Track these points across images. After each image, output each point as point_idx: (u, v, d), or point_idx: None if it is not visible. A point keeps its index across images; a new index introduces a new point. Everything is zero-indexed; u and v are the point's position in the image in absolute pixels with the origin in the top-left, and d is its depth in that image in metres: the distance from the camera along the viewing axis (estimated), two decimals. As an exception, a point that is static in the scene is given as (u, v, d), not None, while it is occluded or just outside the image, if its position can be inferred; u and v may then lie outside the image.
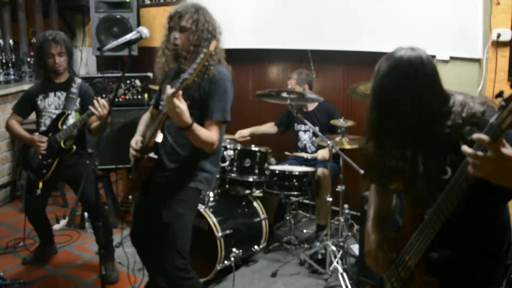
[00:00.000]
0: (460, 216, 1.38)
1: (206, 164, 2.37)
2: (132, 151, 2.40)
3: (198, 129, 2.15)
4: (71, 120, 3.17)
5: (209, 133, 2.21)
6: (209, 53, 2.02)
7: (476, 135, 1.18)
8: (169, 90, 2.02)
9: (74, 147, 3.19)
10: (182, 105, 2.03)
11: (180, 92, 2.03)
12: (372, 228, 1.73)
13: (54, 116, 3.18)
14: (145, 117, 2.59)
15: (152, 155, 2.28)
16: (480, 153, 1.19)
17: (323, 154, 3.70)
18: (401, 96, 1.40)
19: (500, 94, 1.17)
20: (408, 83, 1.40)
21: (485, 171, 1.19)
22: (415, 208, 1.53)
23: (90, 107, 2.88)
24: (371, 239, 1.71)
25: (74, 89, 3.20)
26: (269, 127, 4.23)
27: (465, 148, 1.22)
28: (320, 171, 3.66)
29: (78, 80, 3.26)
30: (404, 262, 1.56)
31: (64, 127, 3.14)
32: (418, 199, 1.51)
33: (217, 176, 3.40)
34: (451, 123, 1.40)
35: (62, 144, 3.14)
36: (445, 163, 1.42)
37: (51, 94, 3.21)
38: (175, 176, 2.34)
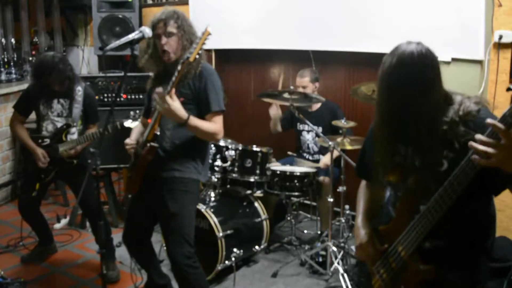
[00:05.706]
0: (454, 208, 1.41)
1: (201, 156, 2.53)
2: (129, 147, 2.50)
3: (196, 121, 2.30)
4: (73, 129, 3.18)
5: (210, 124, 2.38)
6: (206, 33, 2.12)
7: (490, 120, 1.24)
8: (158, 89, 2.17)
9: (75, 161, 3.20)
10: (174, 102, 2.19)
11: (173, 90, 2.18)
12: (363, 223, 1.78)
13: (56, 123, 3.18)
14: (137, 127, 2.70)
15: (153, 143, 2.38)
16: (493, 140, 1.23)
17: (325, 162, 3.69)
18: (404, 89, 1.43)
19: (510, 88, 1.26)
20: (411, 75, 1.43)
21: (498, 158, 1.23)
22: (411, 200, 1.57)
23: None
24: (361, 233, 1.75)
25: (78, 97, 3.17)
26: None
27: (478, 135, 1.27)
28: (322, 179, 3.66)
29: (81, 86, 3.19)
30: (397, 253, 1.59)
31: (68, 138, 3.14)
32: (414, 190, 1.55)
33: (219, 176, 3.40)
34: (448, 120, 1.45)
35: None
36: (441, 156, 1.47)
37: (55, 101, 3.17)
38: (177, 170, 2.45)
